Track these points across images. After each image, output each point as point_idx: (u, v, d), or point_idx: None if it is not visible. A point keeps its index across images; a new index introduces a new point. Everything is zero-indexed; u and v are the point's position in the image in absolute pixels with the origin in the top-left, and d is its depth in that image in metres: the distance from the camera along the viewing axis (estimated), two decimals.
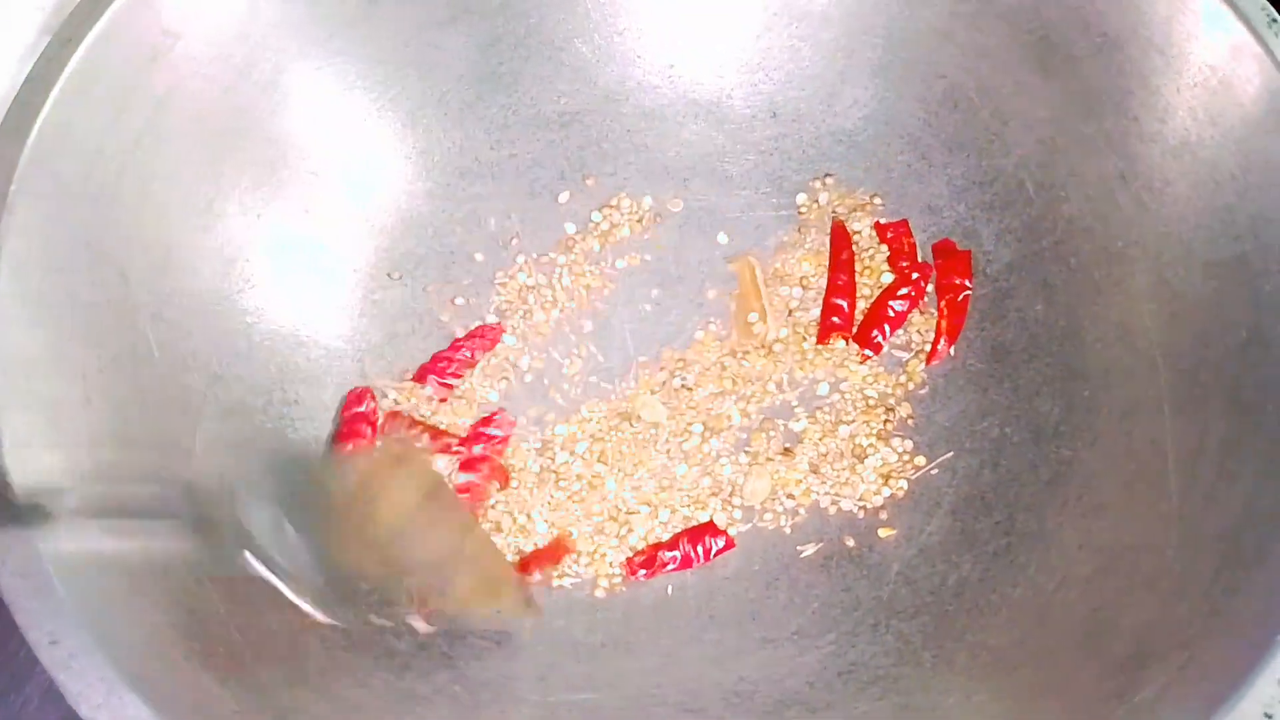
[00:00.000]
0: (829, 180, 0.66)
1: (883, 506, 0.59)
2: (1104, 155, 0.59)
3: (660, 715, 0.53)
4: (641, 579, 0.57)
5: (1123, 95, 0.58)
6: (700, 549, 0.57)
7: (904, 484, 0.59)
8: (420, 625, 0.53)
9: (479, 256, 0.66)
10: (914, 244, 0.64)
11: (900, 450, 0.60)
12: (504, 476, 0.59)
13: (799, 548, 0.58)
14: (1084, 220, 0.60)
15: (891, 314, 0.62)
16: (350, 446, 0.59)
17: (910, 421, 0.61)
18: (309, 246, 0.63)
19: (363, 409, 0.60)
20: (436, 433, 0.60)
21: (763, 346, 0.63)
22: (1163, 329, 0.56)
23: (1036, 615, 0.53)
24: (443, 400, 0.61)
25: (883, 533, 0.58)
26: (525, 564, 0.58)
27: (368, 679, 0.52)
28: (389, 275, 0.64)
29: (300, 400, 0.60)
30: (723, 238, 0.66)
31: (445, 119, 0.65)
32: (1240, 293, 0.53)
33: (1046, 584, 0.54)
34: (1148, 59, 0.56)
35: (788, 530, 0.59)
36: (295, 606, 0.52)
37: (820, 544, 0.58)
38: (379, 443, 0.60)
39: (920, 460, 0.60)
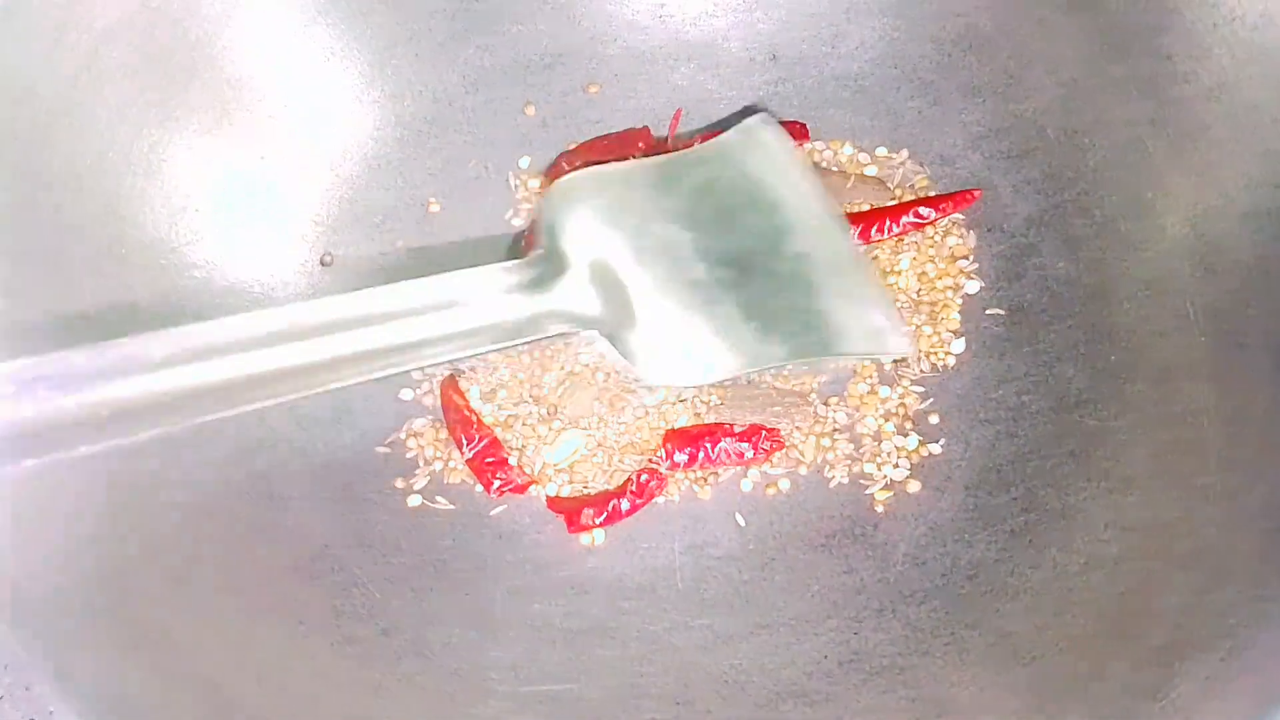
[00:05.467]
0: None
1: (888, 480, 0.54)
2: (1133, 98, 0.55)
3: (644, 708, 0.49)
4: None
5: (1154, 32, 0.54)
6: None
7: (912, 444, 0.55)
8: None
9: (455, 210, 0.61)
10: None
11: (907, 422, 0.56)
12: None
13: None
14: (1111, 169, 0.56)
15: None
16: None
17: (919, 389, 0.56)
18: (265, 196, 0.58)
19: None
20: None
21: None
22: (1199, 286, 0.52)
23: (1059, 600, 0.49)
24: None
25: (880, 506, 0.54)
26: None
27: (324, 669, 0.48)
28: (322, 261, 0.59)
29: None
30: None
31: (417, 59, 0.61)
32: None
33: (1070, 566, 0.50)
34: None
35: (782, 503, 0.54)
36: (244, 590, 0.48)
37: (820, 517, 0.54)
38: None
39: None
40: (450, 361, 0.50)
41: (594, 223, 0.49)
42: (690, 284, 0.48)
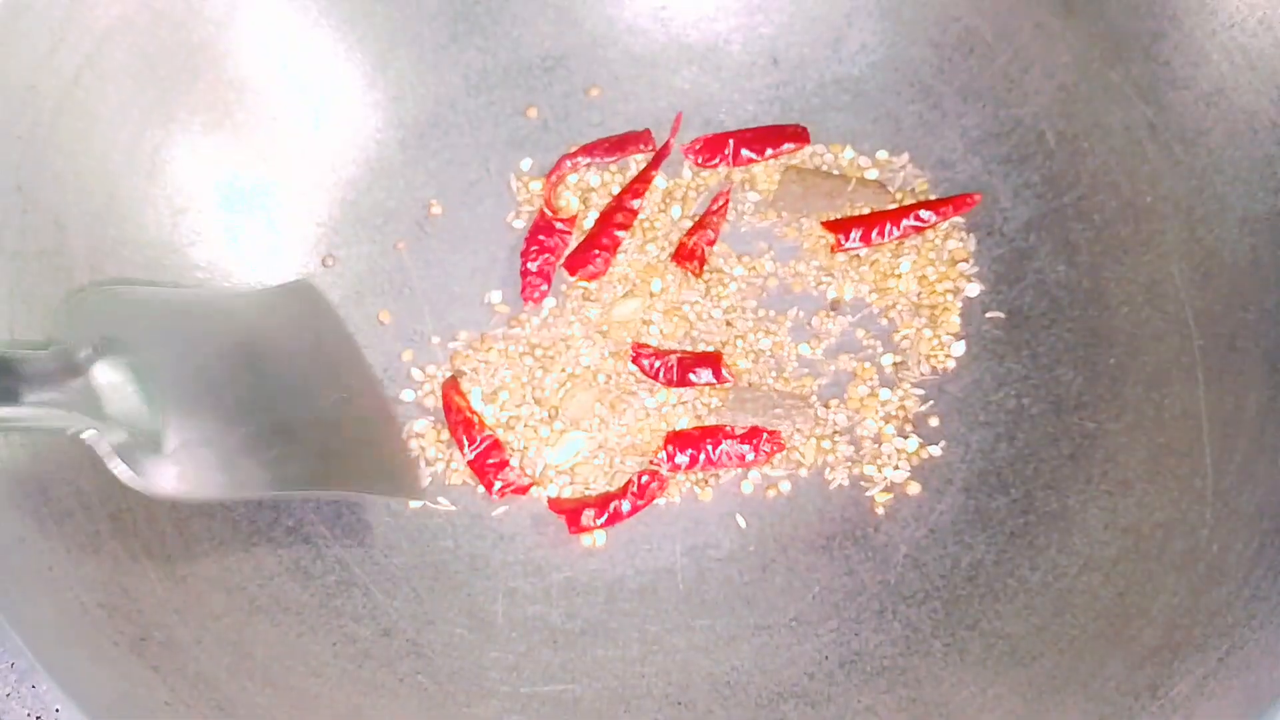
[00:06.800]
0: None
1: (889, 482, 0.54)
2: (1131, 103, 0.55)
3: (643, 708, 0.49)
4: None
5: (1152, 38, 0.54)
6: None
7: (912, 446, 0.55)
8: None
9: (456, 212, 0.61)
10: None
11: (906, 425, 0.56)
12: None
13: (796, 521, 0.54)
14: (1109, 173, 0.56)
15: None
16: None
17: (919, 392, 0.56)
18: (267, 197, 0.58)
19: None
20: None
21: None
22: (1195, 290, 0.52)
23: (1057, 601, 0.49)
24: None
25: (880, 508, 0.54)
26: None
27: (323, 668, 0.48)
28: (324, 263, 0.59)
29: None
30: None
31: (418, 62, 0.61)
32: (1279, 250, 0.50)
33: (1068, 567, 0.50)
34: None
35: (783, 504, 0.54)
36: (243, 589, 0.48)
37: (821, 518, 0.54)
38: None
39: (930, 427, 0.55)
40: None
41: (128, 334, 0.46)
42: (227, 409, 0.48)
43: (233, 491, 0.47)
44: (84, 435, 0.40)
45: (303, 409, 0.51)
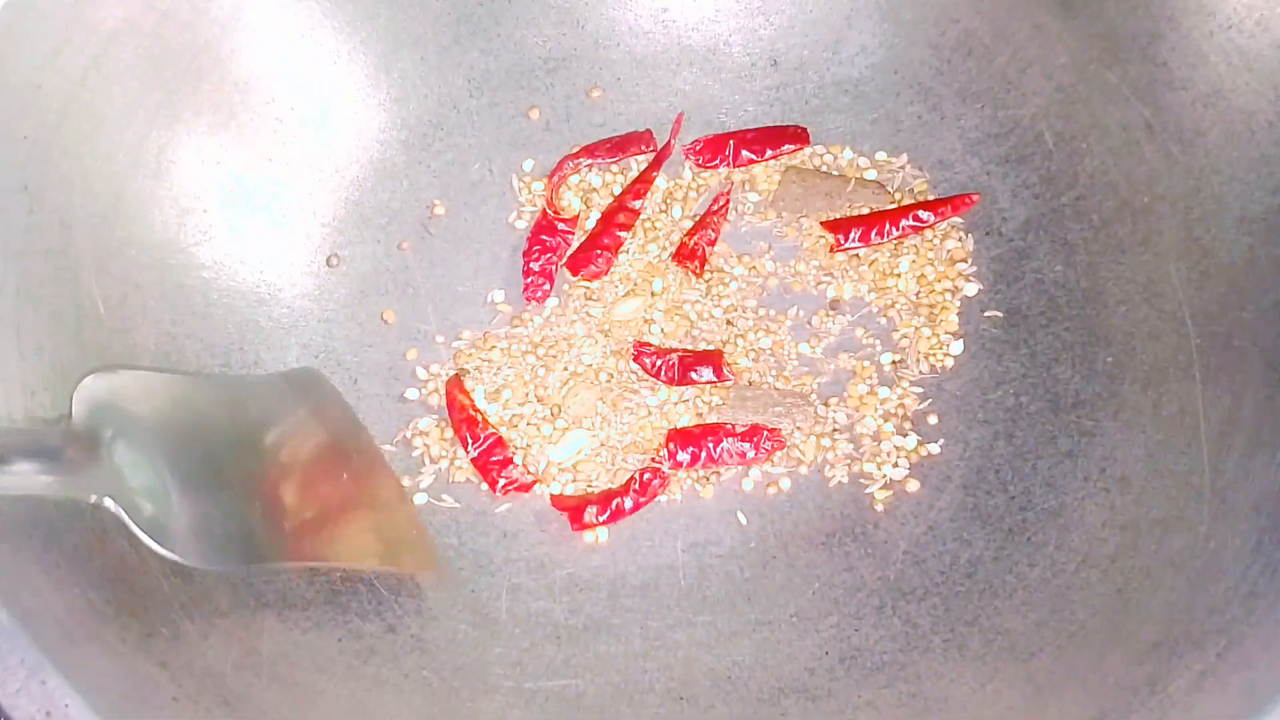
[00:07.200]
0: None
1: (888, 479, 0.55)
2: (1129, 104, 0.56)
3: (647, 703, 0.50)
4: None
5: (1150, 39, 0.55)
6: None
7: (911, 444, 0.55)
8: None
9: (459, 212, 0.61)
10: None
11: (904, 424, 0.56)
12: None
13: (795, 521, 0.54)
14: (1107, 174, 0.57)
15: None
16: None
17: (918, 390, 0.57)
18: (272, 198, 0.58)
19: None
20: None
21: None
22: (1192, 289, 0.53)
23: (1056, 597, 0.49)
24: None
25: (879, 505, 0.54)
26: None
27: (329, 664, 0.48)
28: (328, 263, 0.59)
29: (261, 362, 0.56)
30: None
31: (421, 63, 0.61)
32: (1276, 249, 0.50)
33: (1066, 563, 0.50)
34: None
35: (783, 502, 0.55)
36: (249, 585, 0.49)
37: (820, 515, 0.54)
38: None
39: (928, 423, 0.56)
40: None
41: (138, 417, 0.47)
42: (236, 488, 0.49)
43: (250, 560, 0.48)
44: (105, 504, 0.41)
45: (311, 488, 0.52)
